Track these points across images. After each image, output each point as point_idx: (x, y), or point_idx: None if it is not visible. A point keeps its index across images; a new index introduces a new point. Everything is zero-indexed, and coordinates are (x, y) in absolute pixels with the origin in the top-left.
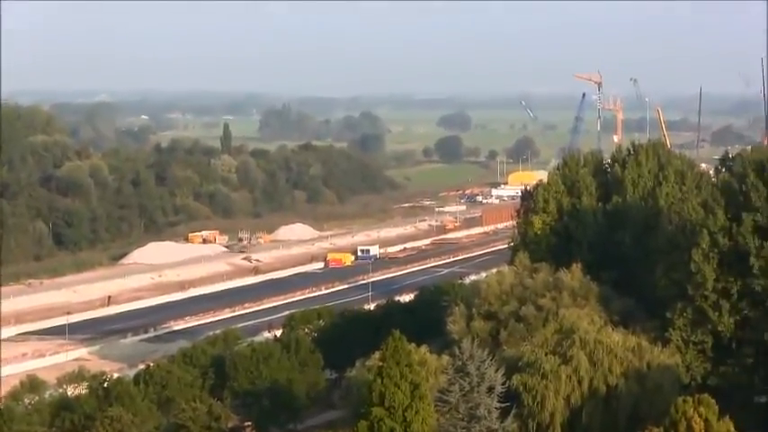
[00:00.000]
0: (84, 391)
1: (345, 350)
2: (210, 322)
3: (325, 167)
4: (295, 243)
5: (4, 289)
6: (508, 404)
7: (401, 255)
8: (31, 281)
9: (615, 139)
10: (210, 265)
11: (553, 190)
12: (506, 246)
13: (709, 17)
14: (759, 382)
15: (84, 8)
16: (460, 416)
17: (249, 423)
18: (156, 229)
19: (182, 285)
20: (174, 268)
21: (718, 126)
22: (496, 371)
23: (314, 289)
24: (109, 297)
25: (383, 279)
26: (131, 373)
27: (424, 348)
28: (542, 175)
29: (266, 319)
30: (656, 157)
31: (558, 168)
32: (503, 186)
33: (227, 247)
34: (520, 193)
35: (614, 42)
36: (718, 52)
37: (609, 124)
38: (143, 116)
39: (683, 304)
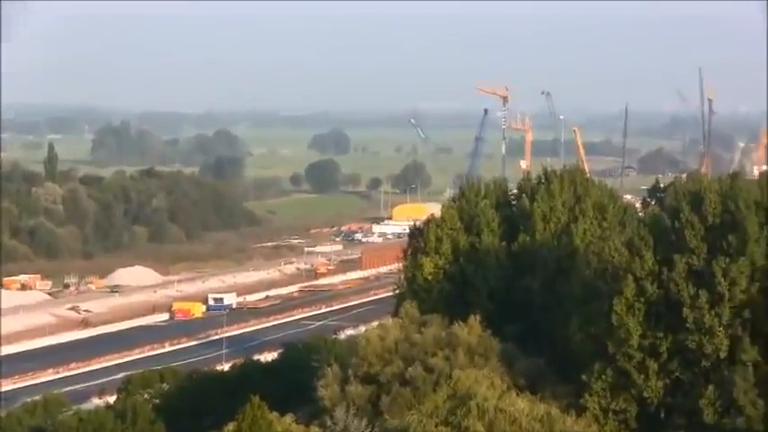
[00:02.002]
0: None
1: (194, 420)
2: (29, 386)
3: (172, 198)
4: (134, 290)
5: None
6: None
7: (263, 304)
8: None
9: (523, 164)
10: (30, 317)
11: (447, 226)
12: (390, 294)
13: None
14: None
15: None
16: None
17: None
18: None
19: None
20: None
21: (647, 150)
22: None
23: (156, 346)
24: None
25: (240, 334)
26: None
27: (289, 418)
28: (435, 209)
29: (97, 382)
30: (571, 187)
31: (453, 200)
32: (387, 222)
33: (50, 294)
34: (407, 230)
35: (524, 51)
36: (648, 65)
37: (516, 147)
38: None
39: (602, 365)
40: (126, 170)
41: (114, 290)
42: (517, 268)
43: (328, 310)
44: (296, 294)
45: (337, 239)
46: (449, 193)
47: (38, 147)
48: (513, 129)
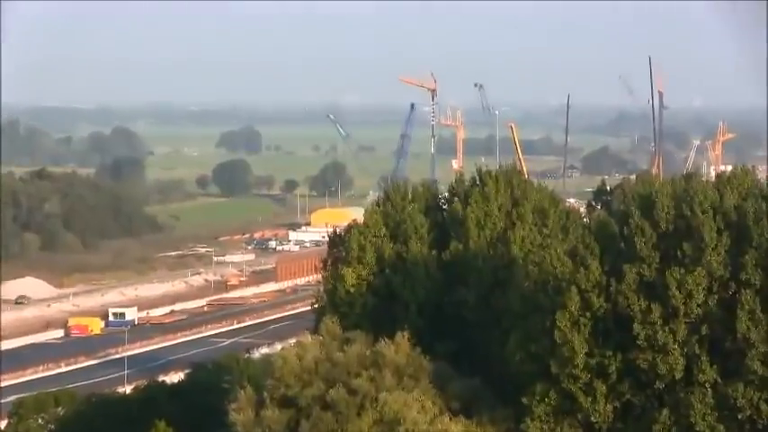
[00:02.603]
0: None
1: None
2: None
3: (66, 202)
4: (26, 304)
5: None
6: None
7: (168, 320)
8: None
9: (455, 164)
10: None
11: (371, 233)
12: (309, 308)
13: (581, 12)
14: None
15: None
16: None
17: None
18: None
19: None
20: None
21: (592, 148)
22: None
23: (50, 365)
24: None
25: (144, 352)
26: None
27: None
28: (357, 214)
29: None
30: (508, 190)
31: (377, 204)
32: (304, 228)
33: None
34: (327, 238)
35: (455, 39)
36: (593, 55)
37: (446, 145)
38: None
39: (544, 386)
40: (15, 171)
41: (19, 300)
42: (449, 280)
43: (240, 326)
44: (204, 309)
45: (249, 248)
46: (372, 196)
47: None
48: (443, 125)
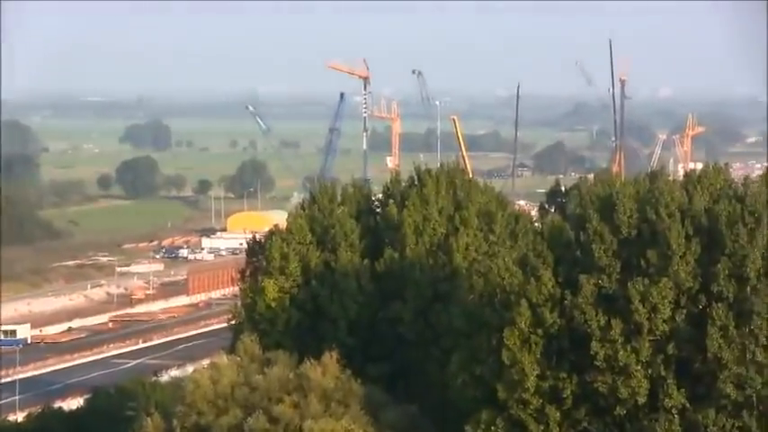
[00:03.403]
0: None
1: None
2: None
3: None
4: None
5: None
6: None
7: (64, 338)
8: None
9: (390, 162)
10: None
11: (295, 240)
12: (224, 325)
13: None
14: None
15: None
16: None
17: None
18: None
19: None
20: None
21: (545, 144)
22: None
23: None
24: None
25: (38, 375)
26: None
27: None
28: (279, 218)
29: None
30: (451, 191)
31: (302, 207)
32: (220, 235)
33: None
34: (245, 245)
35: (391, 21)
36: (545, 38)
37: (381, 140)
38: None
39: (490, 413)
40: None
41: None
42: (383, 293)
43: (147, 345)
44: (109, 325)
45: (157, 257)
46: (296, 198)
47: None
48: (377, 117)
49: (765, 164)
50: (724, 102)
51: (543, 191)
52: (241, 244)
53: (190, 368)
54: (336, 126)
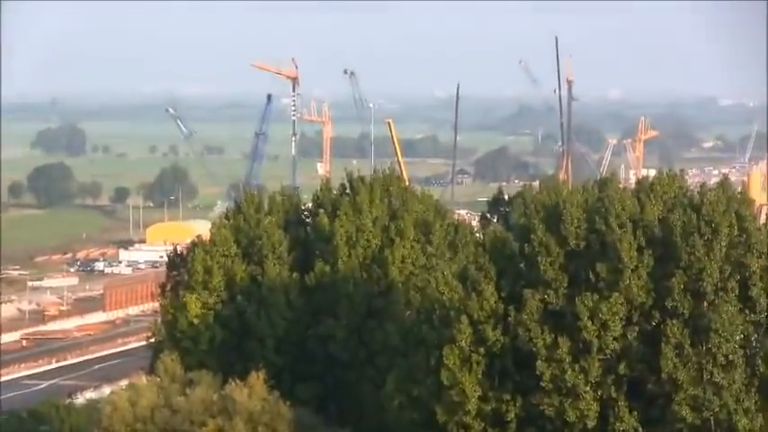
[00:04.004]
0: None
1: None
2: None
3: None
4: None
5: None
6: None
7: None
8: None
9: (320, 168)
10: None
11: (219, 252)
12: (144, 343)
13: None
14: None
15: None
16: None
17: None
18: None
19: None
20: None
21: (487, 149)
22: None
23: None
24: None
25: None
26: None
27: None
28: (202, 228)
29: None
30: (385, 200)
31: (227, 217)
32: (138, 246)
33: None
34: (166, 258)
35: (322, 18)
36: (488, 37)
37: (311, 145)
38: None
39: None
40: None
41: None
42: (314, 309)
43: (61, 365)
44: (23, 344)
45: (72, 270)
46: (221, 207)
47: None
48: (307, 120)
49: (723, 170)
50: (678, 103)
51: (485, 199)
52: (161, 256)
53: (107, 390)
54: (263, 130)
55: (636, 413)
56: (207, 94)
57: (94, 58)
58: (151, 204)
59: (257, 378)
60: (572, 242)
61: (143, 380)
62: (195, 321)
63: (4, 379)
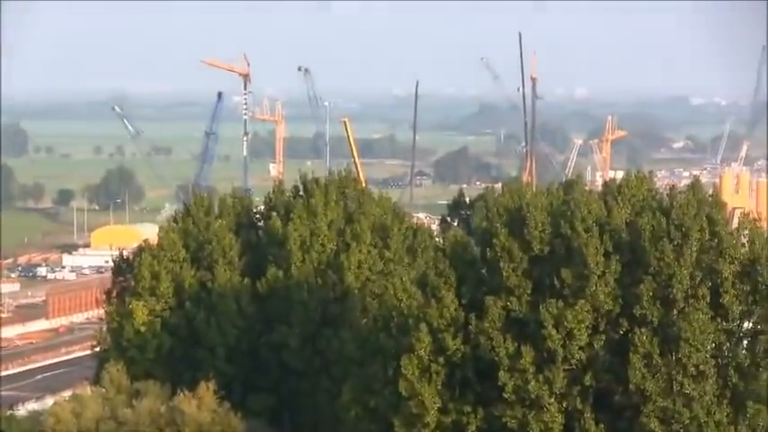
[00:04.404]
0: None
1: None
2: None
3: None
4: None
5: None
6: None
7: None
8: None
9: (273, 169)
10: None
11: (167, 257)
12: (89, 352)
13: None
14: None
15: None
16: None
17: None
18: None
19: None
20: None
21: (447, 149)
22: None
23: None
24: None
25: None
26: None
27: None
28: (150, 232)
29: None
30: (341, 202)
31: (175, 220)
32: (83, 251)
33: None
34: (111, 263)
35: (276, 14)
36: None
37: (264, 145)
38: None
39: None
40: None
41: None
42: (266, 316)
43: (2, 374)
44: None
45: (13, 276)
46: (169, 210)
47: None
48: (259, 119)
49: (693, 172)
50: (647, 102)
51: (445, 202)
52: (107, 261)
53: (50, 401)
54: (213, 129)
55: (602, 426)
56: (155, 92)
57: (35, 55)
58: (96, 207)
59: (207, 388)
60: (536, 247)
61: (88, 390)
62: (142, 329)
63: None
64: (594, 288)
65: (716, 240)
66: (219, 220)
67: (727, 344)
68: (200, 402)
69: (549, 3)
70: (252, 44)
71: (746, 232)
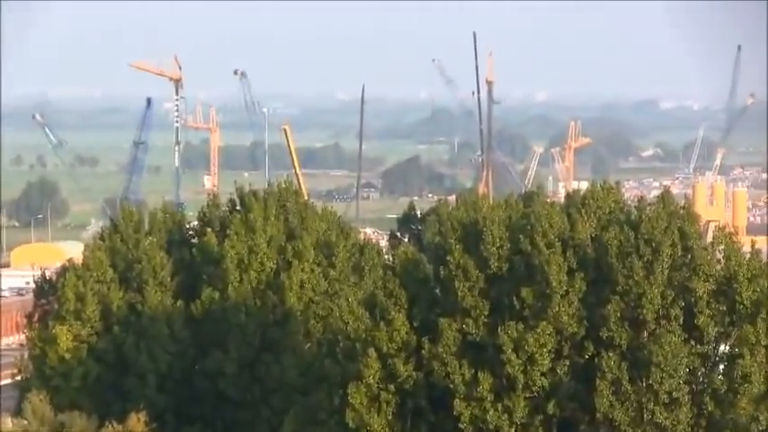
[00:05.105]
0: None
1: None
2: None
3: None
4: None
5: None
6: None
7: None
8: None
9: (207, 181)
10: None
11: (94, 278)
12: (9, 381)
13: None
14: None
15: None
16: None
17: None
18: None
19: None
20: None
21: (396, 159)
22: None
23: None
24: None
25: None
26: None
27: None
28: (75, 250)
29: None
30: (282, 217)
31: (102, 237)
32: (1, 271)
33: None
34: (33, 284)
35: (210, 15)
36: (397, 33)
37: (197, 155)
38: None
39: None
40: None
41: None
42: (201, 341)
43: None
44: None
45: None
46: (95, 226)
47: None
48: (192, 127)
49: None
50: (613, 106)
51: (394, 216)
52: (28, 282)
53: None
54: (143, 138)
55: None
56: (79, 97)
57: None
58: (16, 224)
59: (137, 420)
60: (493, 265)
61: (8, 423)
62: (66, 356)
63: None
64: (557, 309)
65: (689, 256)
66: (150, 238)
67: (702, 369)
68: None
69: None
70: (184, 46)
71: (722, 247)
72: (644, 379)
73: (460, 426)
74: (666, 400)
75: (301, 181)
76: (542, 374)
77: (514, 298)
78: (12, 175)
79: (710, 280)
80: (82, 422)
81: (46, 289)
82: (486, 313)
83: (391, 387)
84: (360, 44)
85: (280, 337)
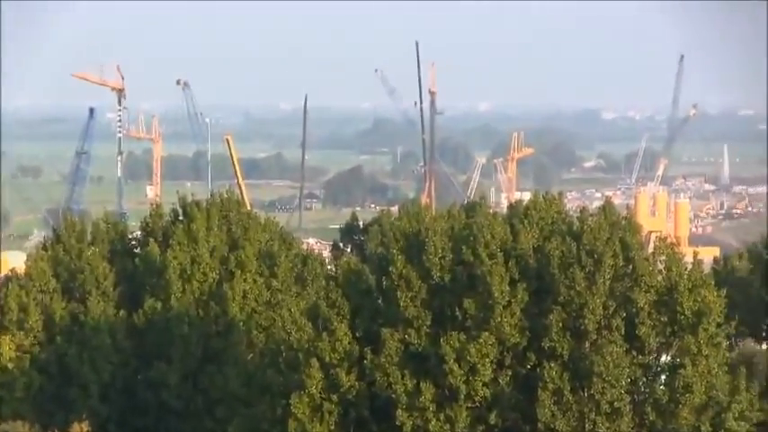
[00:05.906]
0: None
1: None
2: None
3: None
4: None
5: None
6: None
7: None
8: None
9: (150, 192)
10: None
11: (36, 288)
12: None
13: None
14: None
15: None
16: None
17: None
18: None
19: None
20: None
21: (339, 169)
22: None
23: None
24: None
25: None
26: None
27: None
28: (17, 261)
29: None
30: (224, 227)
31: (44, 247)
32: None
33: None
34: None
35: (152, 22)
36: (339, 43)
37: (140, 165)
38: None
39: None
40: None
41: None
42: (143, 352)
43: None
44: None
45: None
46: (37, 236)
47: None
48: (135, 137)
49: (606, 192)
50: (556, 117)
51: (337, 226)
52: None
53: None
54: (85, 148)
55: None
56: (20, 107)
57: None
58: None
59: (80, 430)
60: (436, 275)
61: None
62: (9, 366)
63: None
64: (499, 319)
65: (630, 267)
66: (92, 248)
67: (644, 379)
68: None
69: (450, 10)
70: (129, 56)
71: (663, 258)
72: (585, 389)
73: None
74: (608, 410)
75: (244, 191)
76: (484, 384)
77: (457, 308)
78: None
79: (652, 291)
80: None
81: None
82: (429, 323)
83: (334, 397)
84: (303, 54)
85: (223, 348)
